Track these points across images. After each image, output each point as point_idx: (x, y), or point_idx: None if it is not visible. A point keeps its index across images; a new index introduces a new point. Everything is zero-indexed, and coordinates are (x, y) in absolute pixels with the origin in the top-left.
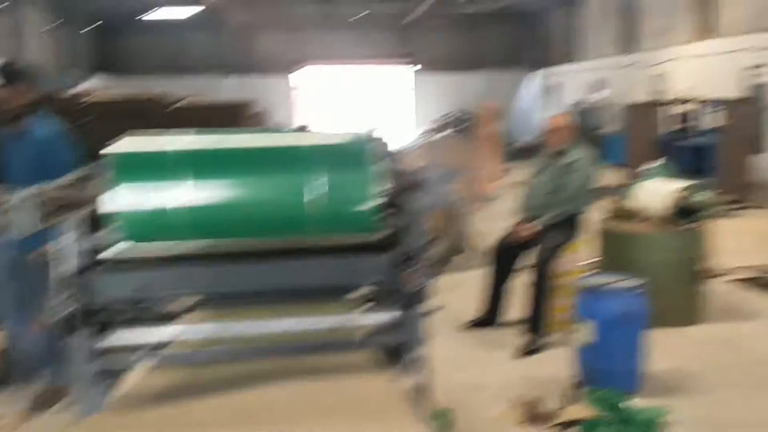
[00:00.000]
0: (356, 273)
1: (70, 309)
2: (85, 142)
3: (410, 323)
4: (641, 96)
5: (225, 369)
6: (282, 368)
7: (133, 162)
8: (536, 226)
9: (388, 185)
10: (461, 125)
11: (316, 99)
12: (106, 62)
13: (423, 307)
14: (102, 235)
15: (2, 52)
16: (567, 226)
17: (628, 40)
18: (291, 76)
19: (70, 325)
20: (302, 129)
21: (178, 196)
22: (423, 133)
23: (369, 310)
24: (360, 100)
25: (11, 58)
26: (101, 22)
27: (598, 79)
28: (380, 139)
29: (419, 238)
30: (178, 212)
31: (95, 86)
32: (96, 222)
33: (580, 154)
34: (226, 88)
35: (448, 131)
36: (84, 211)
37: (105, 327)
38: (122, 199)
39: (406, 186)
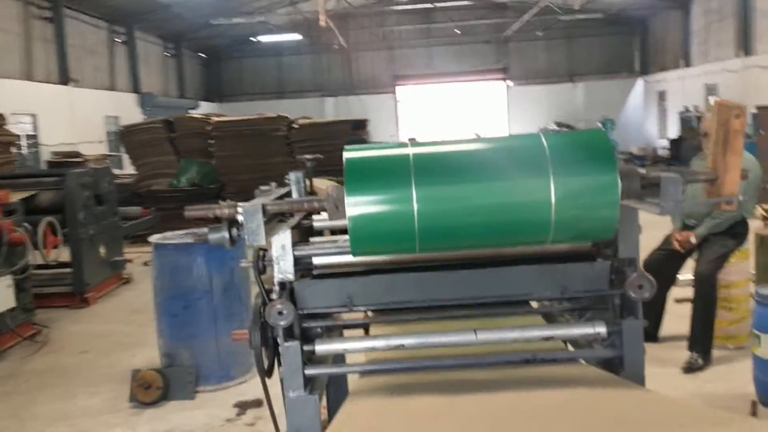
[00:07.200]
0: (574, 282)
1: (287, 317)
2: (217, 163)
3: (629, 335)
4: (763, 100)
5: (431, 377)
6: (493, 379)
7: (365, 168)
8: (692, 236)
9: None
10: None
11: (417, 114)
12: (211, 89)
13: (640, 319)
14: (315, 244)
15: (121, 80)
16: (731, 234)
17: (744, 41)
18: (392, 93)
19: (285, 332)
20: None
21: (410, 205)
22: None
23: (584, 321)
24: (459, 114)
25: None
26: (205, 55)
27: (711, 84)
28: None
29: (635, 245)
30: (410, 223)
31: (208, 112)
32: (308, 231)
33: (744, 155)
34: (329, 108)
35: None
36: (299, 220)
37: (307, 336)
38: (350, 209)
39: (635, 188)
